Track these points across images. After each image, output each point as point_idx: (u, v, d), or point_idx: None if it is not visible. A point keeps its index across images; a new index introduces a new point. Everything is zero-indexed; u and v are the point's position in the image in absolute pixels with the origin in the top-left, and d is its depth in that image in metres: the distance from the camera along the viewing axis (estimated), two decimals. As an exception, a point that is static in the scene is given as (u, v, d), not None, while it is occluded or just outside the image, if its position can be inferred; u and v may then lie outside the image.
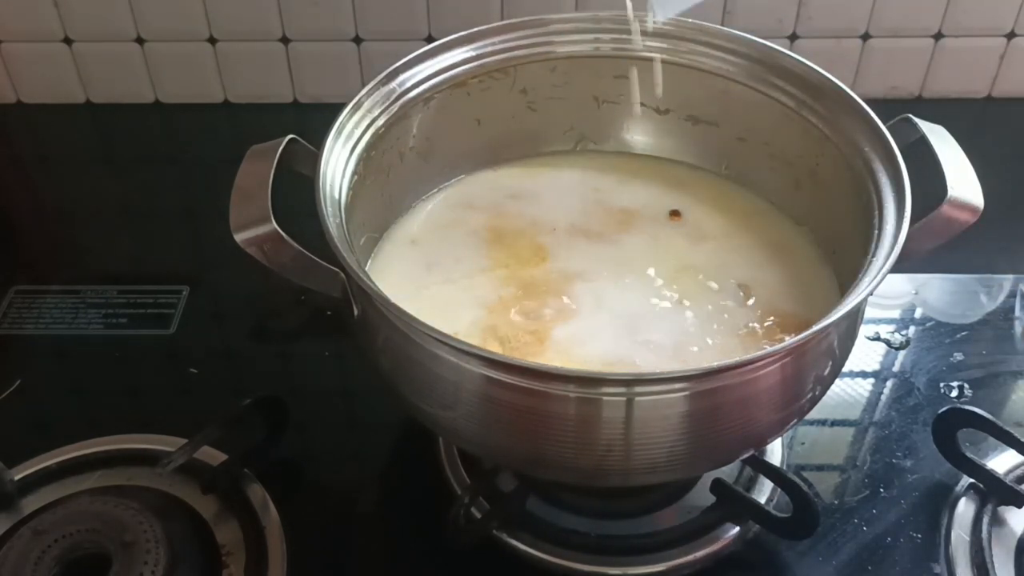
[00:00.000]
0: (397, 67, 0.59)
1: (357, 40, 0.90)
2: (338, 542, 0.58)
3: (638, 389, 0.45)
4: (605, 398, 0.45)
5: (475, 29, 0.62)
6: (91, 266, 0.79)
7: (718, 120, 0.65)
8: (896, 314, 0.73)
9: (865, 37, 0.89)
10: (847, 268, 0.55)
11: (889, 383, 0.68)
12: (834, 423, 0.65)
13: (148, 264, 0.79)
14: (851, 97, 0.56)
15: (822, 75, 0.58)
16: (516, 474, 0.58)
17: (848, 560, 0.56)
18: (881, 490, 0.60)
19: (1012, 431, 0.58)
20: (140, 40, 0.90)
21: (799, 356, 0.47)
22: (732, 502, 0.57)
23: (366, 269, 0.53)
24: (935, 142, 0.54)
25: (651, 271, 0.60)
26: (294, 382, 0.68)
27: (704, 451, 0.48)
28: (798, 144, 0.60)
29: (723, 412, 0.46)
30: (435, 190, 0.66)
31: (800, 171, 0.61)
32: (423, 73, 0.61)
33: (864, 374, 0.68)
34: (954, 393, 0.66)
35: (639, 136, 0.68)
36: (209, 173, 0.74)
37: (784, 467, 0.60)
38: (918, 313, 0.73)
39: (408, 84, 0.60)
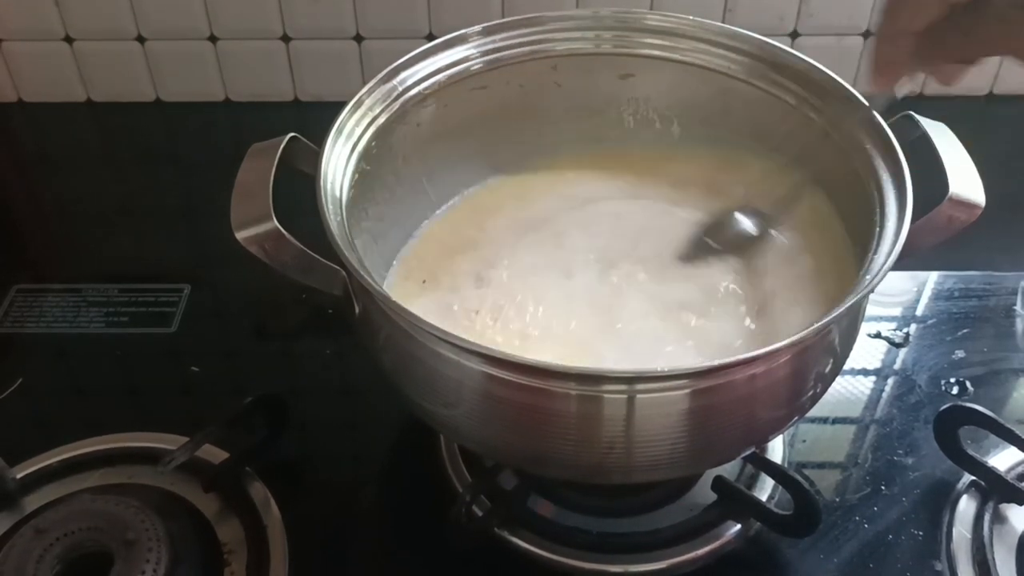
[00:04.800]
0: (398, 65, 0.59)
1: (358, 38, 0.90)
2: (339, 540, 0.58)
3: (639, 386, 0.45)
4: (606, 395, 0.45)
5: (476, 27, 0.62)
6: (92, 265, 0.79)
7: (718, 118, 0.65)
8: (897, 311, 0.73)
9: (867, 34, 0.89)
10: (847, 267, 0.55)
11: (890, 380, 0.68)
12: (835, 421, 0.65)
13: (149, 262, 0.79)
14: (853, 94, 0.56)
15: (824, 72, 0.58)
16: (517, 472, 0.58)
17: (849, 558, 0.56)
18: (882, 488, 0.60)
19: (1013, 428, 0.58)
20: (141, 39, 0.90)
21: (800, 353, 0.47)
22: (733, 500, 0.57)
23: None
24: (936, 139, 0.54)
25: (643, 274, 0.59)
26: (295, 380, 0.68)
27: (705, 448, 0.48)
28: (799, 141, 0.60)
29: (724, 409, 0.46)
30: (434, 190, 0.66)
31: (801, 169, 0.61)
32: (424, 71, 0.60)
33: (865, 371, 0.68)
34: (955, 390, 0.66)
35: (639, 135, 0.68)
36: (210, 171, 0.74)
37: (785, 465, 0.61)
38: (919, 310, 0.73)
39: (409, 82, 0.60)
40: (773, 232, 0.60)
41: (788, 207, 0.60)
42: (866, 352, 0.69)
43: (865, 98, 0.55)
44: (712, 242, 0.60)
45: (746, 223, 0.60)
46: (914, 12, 0.44)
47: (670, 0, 0.87)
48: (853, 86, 0.56)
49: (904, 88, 0.50)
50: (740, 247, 0.60)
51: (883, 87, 0.50)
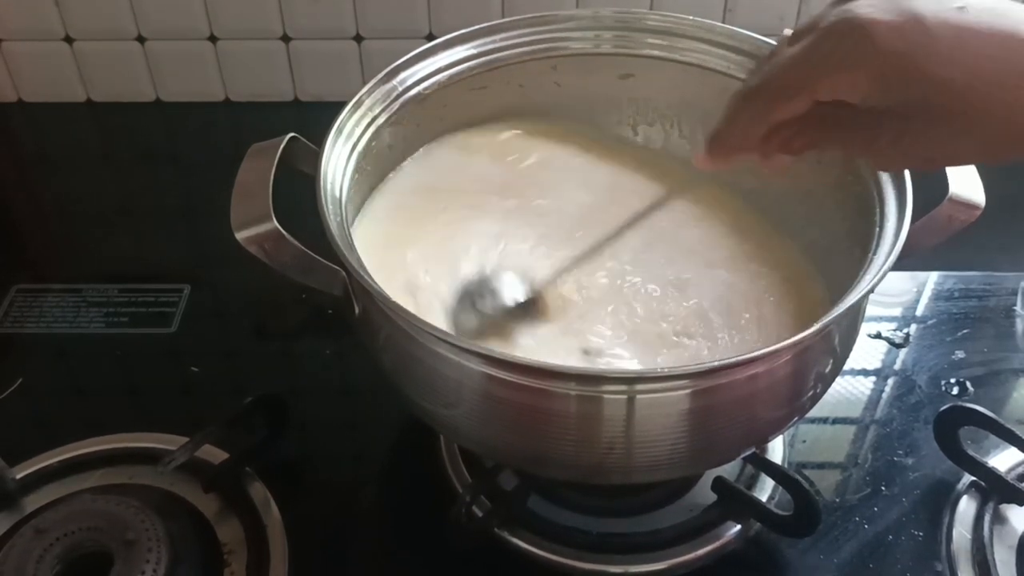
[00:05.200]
0: (397, 65, 0.59)
1: (358, 38, 0.90)
2: (339, 540, 0.58)
3: (639, 387, 0.45)
4: (606, 396, 0.45)
5: (475, 27, 0.62)
6: (92, 265, 0.79)
7: (718, 118, 0.64)
8: (897, 312, 0.73)
9: (866, 34, 0.89)
10: (847, 267, 0.55)
11: (890, 381, 0.68)
12: (835, 421, 0.65)
13: (149, 263, 0.79)
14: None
15: (823, 72, 0.58)
16: (517, 472, 0.58)
17: (849, 558, 0.56)
18: (882, 488, 0.60)
19: (1014, 429, 0.58)
20: (141, 39, 0.90)
21: (800, 354, 0.47)
22: (733, 500, 0.57)
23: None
24: (937, 139, 0.54)
25: (638, 278, 0.59)
26: (295, 380, 0.68)
27: (705, 449, 0.48)
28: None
29: (724, 410, 0.46)
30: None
31: (800, 168, 0.61)
32: (424, 71, 0.61)
33: (865, 372, 0.68)
34: (955, 391, 0.66)
35: (640, 133, 0.68)
36: (210, 171, 0.74)
37: (785, 465, 0.61)
38: (919, 311, 0.73)
39: (409, 82, 0.60)
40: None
41: None
42: (866, 352, 0.69)
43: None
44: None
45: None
46: (783, 104, 0.42)
47: (670, 0, 0.87)
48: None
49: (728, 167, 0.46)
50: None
51: (715, 166, 0.46)
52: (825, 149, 0.46)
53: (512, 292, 0.55)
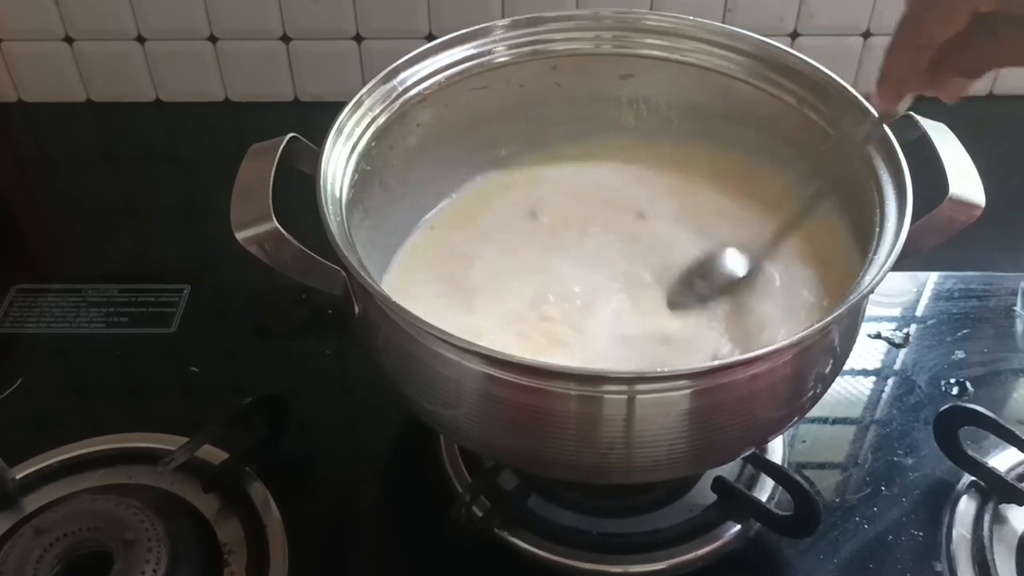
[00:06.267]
0: (397, 65, 0.59)
1: (358, 38, 0.90)
2: (339, 540, 0.58)
3: (639, 387, 0.45)
4: (606, 396, 0.45)
5: (476, 27, 0.62)
6: (92, 265, 0.79)
7: (719, 118, 0.65)
8: (897, 312, 0.73)
9: (866, 35, 0.89)
10: (846, 267, 0.55)
11: (890, 381, 0.68)
12: (835, 421, 0.65)
13: (149, 263, 0.79)
14: (852, 94, 0.56)
15: (823, 72, 0.58)
16: (517, 472, 0.58)
17: (849, 558, 0.56)
18: (882, 488, 0.60)
19: (1013, 429, 0.58)
20: (141, 39, 0.90)
21: (800, 353, 0.47)
22: (733, 500, 0.57)
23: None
24: (936, 139, 0.54)
25: (645, 274, 0.60)
26: (295, 380, 0.68)
27: (705, 449, 0.48)
28: (799, 141, 0.60)
29: (724, 410, 0.46)
30: (435, 189, 0.66)
31: (801, 168, 0.61)
32: (424, 71, 0.60)
33: (865, 372, 0.68)
34: (955, 391, 0.66)
35: (640, 133, 0.68)
36: (210, 172, 0.74)
37: (785, 465, 0.61)
38: (919, 311, 0.73)
39: (409, 82, 0.60)
40: (764, 267, 0.57)
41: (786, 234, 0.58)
42: (866, 352, 0.69)
43: (871, 112, 0.54)
44: (701, 284, 0.57)
45: (736, 262, 0.57)
46: (943, 21, 0.42)
47: (670, 0, 0.87)
48: (853, 86, 0.56)
49: (906, 104, 0.50)
50: (729, 288, 0.57)
51: (890, 105, 0.49)
52: (996, 64, 0.44)
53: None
